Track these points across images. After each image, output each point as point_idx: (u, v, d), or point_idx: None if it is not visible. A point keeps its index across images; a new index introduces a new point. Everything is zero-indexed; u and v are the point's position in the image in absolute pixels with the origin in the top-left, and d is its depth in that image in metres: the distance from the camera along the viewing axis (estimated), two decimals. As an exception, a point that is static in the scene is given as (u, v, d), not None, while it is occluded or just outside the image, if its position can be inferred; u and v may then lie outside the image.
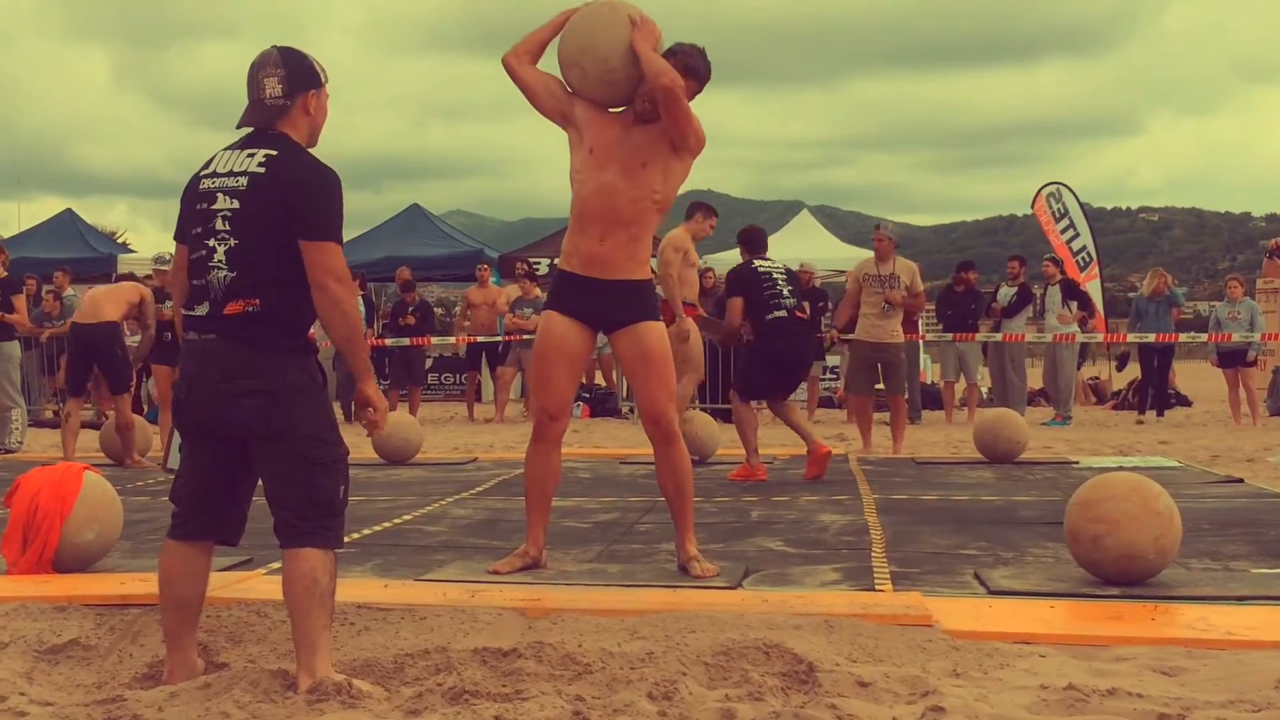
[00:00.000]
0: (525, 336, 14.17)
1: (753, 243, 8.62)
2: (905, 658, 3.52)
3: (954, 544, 5.54)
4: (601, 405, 16.07)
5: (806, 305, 8.57)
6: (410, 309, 15.46)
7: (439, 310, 27.62)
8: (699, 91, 4.78)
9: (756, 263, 8.39)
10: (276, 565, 4.78)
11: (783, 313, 8.17)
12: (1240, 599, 4.25)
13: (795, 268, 10.14)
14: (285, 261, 3.33)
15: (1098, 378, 19.61)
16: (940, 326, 14.80)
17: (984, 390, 15.68)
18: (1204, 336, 14.59)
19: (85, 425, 12.57)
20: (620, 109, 4.73)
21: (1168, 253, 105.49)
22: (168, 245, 9.68)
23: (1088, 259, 17.23)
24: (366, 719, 3.00)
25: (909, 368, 13.14)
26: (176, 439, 3.66)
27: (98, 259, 19.13)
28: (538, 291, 15.08)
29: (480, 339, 15.75)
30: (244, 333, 3.32)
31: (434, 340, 16.33)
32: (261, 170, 3.34)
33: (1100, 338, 15.73)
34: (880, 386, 10.92)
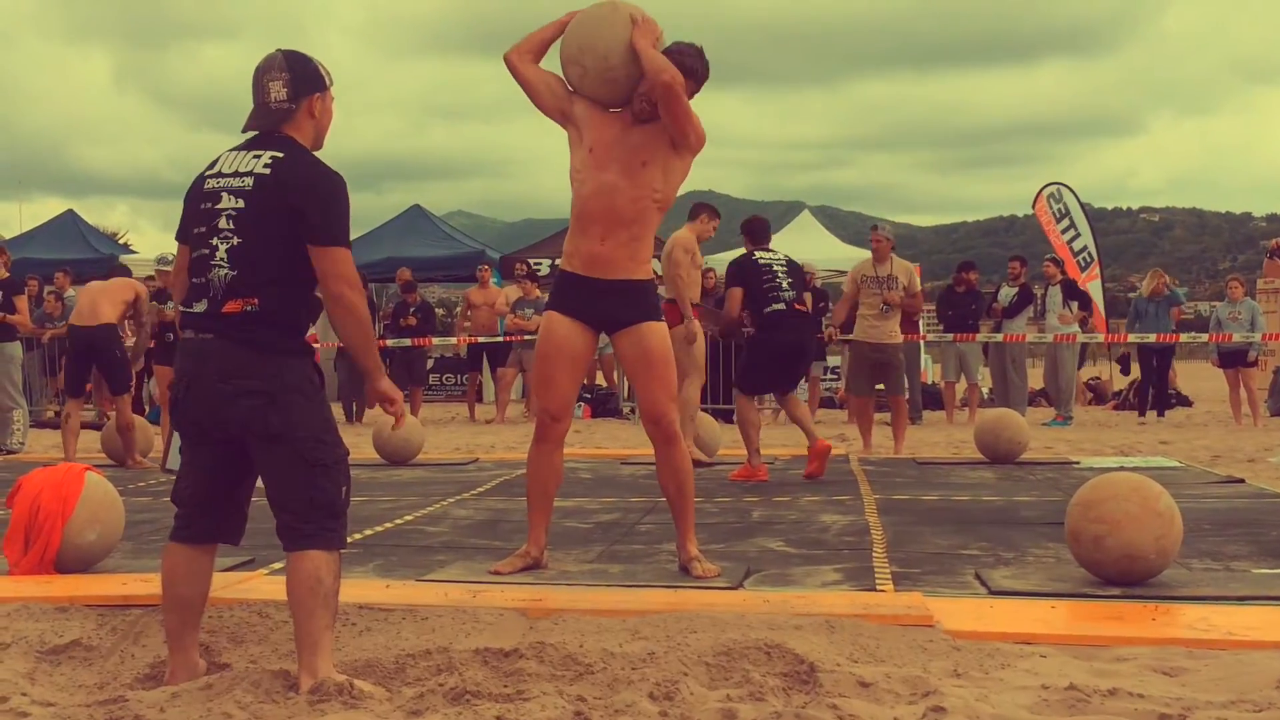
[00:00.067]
0: (526, 337, 14.18)
1: (755, 233, 8.62)
2: (906, 658, 3.52)
3: (955, 544, 5.54)
4: (603, 406, 16.08)
5: (809, 297, 8.52)
6: (411, 310, 15.47)
7: (440, 311, 27.62)
8: (697, 91, 4.77)
9: (758, 254, 8.39)
10: (278, 566, 4.79)
11: (781, 305, 8.17)
12: (1241, 599, 4.26)
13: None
14: (286, 262, 3.34)
15: (1098, 378, 19.61)
16: (941, 327, 14.81)
17: (985, 391, 15.68)
18: (1205, 337, 14.60)
19: (87, 426, 12.58)
20: (620, 109, 4.73)
21: (1169, 253, 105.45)
22: (169, 246, 9.69)
23: (1088, 259, 17.23)
24: (368, 719, 3.00)
25: (910, 368, 13.14)
26: (176, 440, 3.67)
27: (99, 260, 19.12)
28: (538, 292, 15.08)
29: (481, 339, 15.76)
30: (242, 333, 3.32)
31: (435, 341, 16.34)
32: (267, 171, 3.35)
33: (1101, 338, 15.74)
34: (881, 387, 10.93)
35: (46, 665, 3.68)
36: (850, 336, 10.92)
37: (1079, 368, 15.74)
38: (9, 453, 10.99)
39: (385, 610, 4.05)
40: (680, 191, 4.86)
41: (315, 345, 14.52)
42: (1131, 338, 14.63)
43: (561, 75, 4.77)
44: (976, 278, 14.87)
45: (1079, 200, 17.75)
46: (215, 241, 3.36)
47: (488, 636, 3.79)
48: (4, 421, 11.22)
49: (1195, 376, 21.51)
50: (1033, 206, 18.02)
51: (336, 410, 15.48)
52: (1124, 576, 4.40)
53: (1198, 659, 3.48)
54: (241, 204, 3.35)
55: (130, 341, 10.67)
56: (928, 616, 3.86)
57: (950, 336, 14.30)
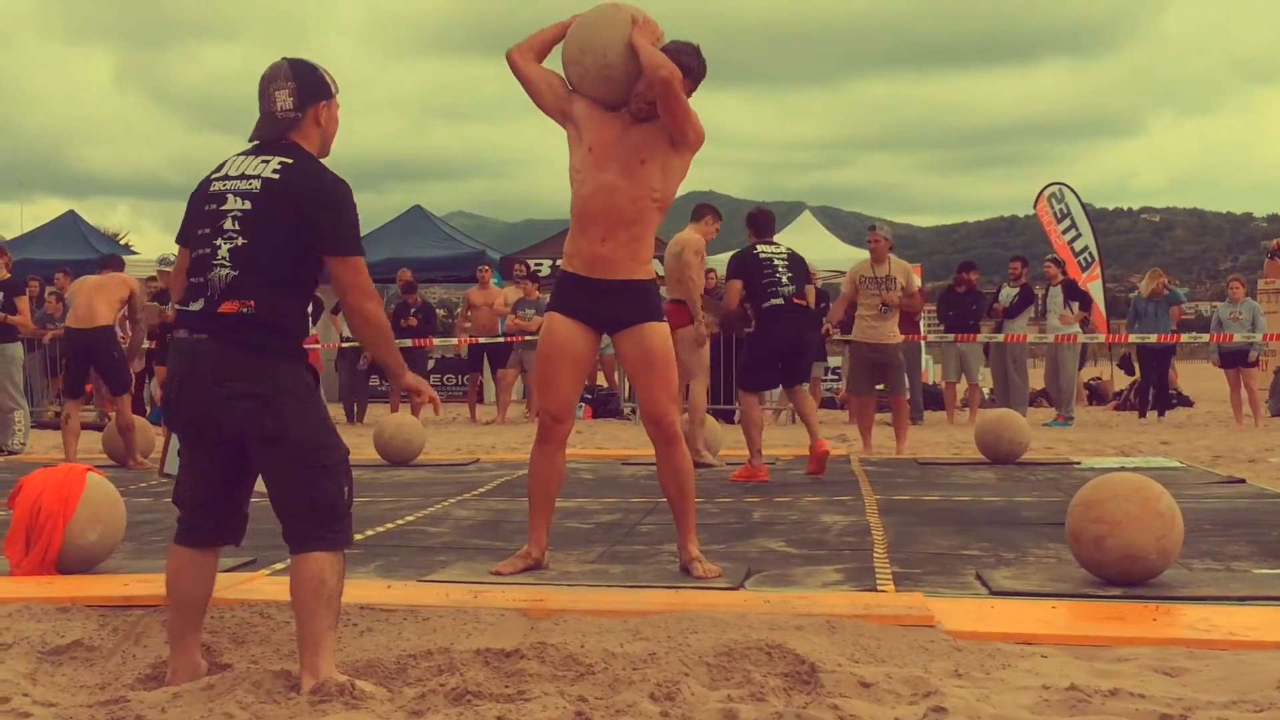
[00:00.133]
0: (527, 338, 14.18)
1: (758, 226, 8.62)
2: (907, 658, 3.52)
3: (956, 545, 5.54)
4: (603, 406, 16.08)
5: (811, 290, 8.50)
6: (412, 310, 15.48)
7: (441, 312, 27.63)
8: (694, 89, 4.76)
9: (759, 248, 8.39)
10: (280, 566, 4.80)
11: (779, 300, 8.18)
12: (1242, 599, 4.26)
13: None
14: (286, 266, 3.36)
15: (1099, 378, 19.61)
16: (942, 327, 14.80)
17: (986, 391, 15.68)
18: (1205, 337, 14.60)
19: (88, 427, 12.59)
20: (620, 109, 4.73)
21: (1169, 253, 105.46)
22: (170, 247, 9.67)
23: (1089, 259, 17.23)
24: (369, 719, 3.01)
25: (911, 368, 13.15)
26: (174, 444, 3.67)
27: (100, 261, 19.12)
28: (538, 293, 15.09)
29: (482, 340, 15.76)
30: (237, 334, 3.32)
31: (436, 341, 16.34)
32: (276, 176, 3.37)
33: (1102, 338, 15.74)
34: (881, 387, 10.94)
35: (48, 666, 3.68)
36: (849, 337, 10.93)
37: (1080, 368, 15.74)
38: (10, 453, 11.00)
39: (386, 611, 4.05)
40: (681, 192, 4.87)
41: (315, 345, 14.49)
42: (1132, 338, 14.63)
43: (564, 75, 4.78)
44: (977, 278, 14.87)
45: (1080, 200, 17.76)
46: (218, 242, 3.37)
47: (489, 637, 3.79)
48: (5, 422, 11.22)
49: (1196, 377, 21.52)
50: (1034, 206, 18.03)
51: (337, 410, 15.53)
52: (1125, 577, 4.40)
53: (1199, 659, 3.48)
54: (249, 206, 3.36)
55: (127, 341, 10.66)
56: (929, 617, 3.86)
57: (951, 337, 14.30)
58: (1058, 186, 17.77)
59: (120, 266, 10.24)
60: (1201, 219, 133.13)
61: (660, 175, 4.68)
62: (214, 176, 3.48)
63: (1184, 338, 15.19)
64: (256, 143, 3.50)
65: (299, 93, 3.46)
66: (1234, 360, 13.87)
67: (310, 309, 12.48)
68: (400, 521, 6.35)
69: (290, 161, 3.40)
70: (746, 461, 8.22)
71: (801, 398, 8.48)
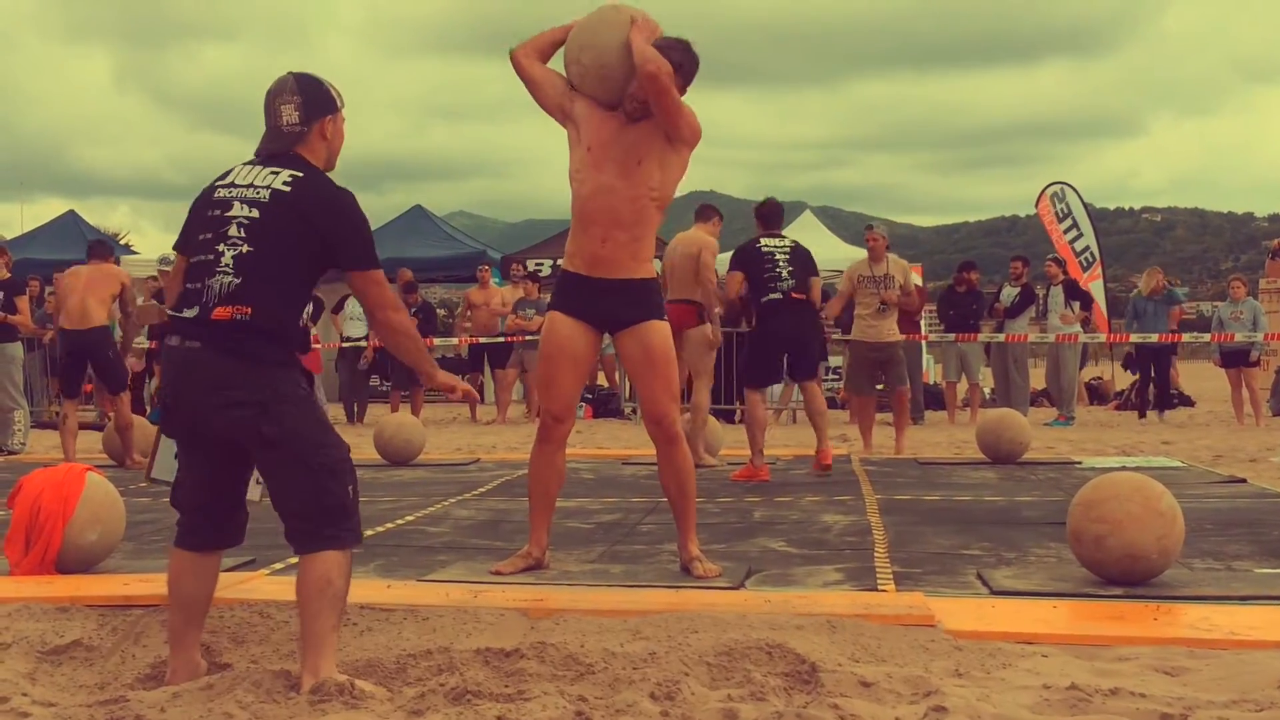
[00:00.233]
0: (528, 338, 14.17)
1: (765, 218, 8.62)
2: (908, 658, 3.52)
3: (956, 544, 5.54)
4: (604, 406, 16.08)
5: (816, 282, 8.48)
6: (413, 310, 15.45)
7: (441, 312, 27.64)
8: (687, 85, 4.75)
9: (762, 241, 8.39)
10: (280, 566, 4.80)
11: (778, 295, 8.18)
12: (1243, 599, 4.25)
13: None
14: (288, 277, 3.37)
15: (1100, 378, 19.61)
16: (942, 327, 14.80)
17: (987, 391, 15.68)
18: (1207, 336, 14.59)
19: (88, 427, 12.58)
20: (618, 109, 4.73)
21: (1170, 253, 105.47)
22: (170, 247, 9.63)
23: (1090, 259, 17.23)
24: (369, 719, 3.00)
25: (911, 368, 13.15)
26: (163, 449, 3.67)
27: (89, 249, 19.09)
28: (538, 293, 15.09)
29: (482, 340, 15.76)
30: (230, 342, 3.31)
31: (436, 341, 16.34)
32: (287, 189, 3.38)
33: (1103, 338, 15.73)
34: (881, 387, 10.93)
35: (47, 665, 3.68)
36: (849, 337, 10.93)
37: (1081, 368, 15.75)
38: (10, 453, 11.00)
39: (386, 610, 4.05)
40: (681, 191, 4.86)
41: (316, 345, 14.48)
42: (1134, 337, 14.64)
43: (565, 75, 4.79)
44: (977, 278, 14.87)
45: (1082, 199, 17.76)
46: (221, 248, 3.36)
47: (489, 636, 3.79)
48: (5, 422, 11.22)
49: (1197, 376, 21.52)
50: (1035, 205, 18.03)
51: (337, 410, 15.53)
52: (1126, 576, 4.39)
53: (1199, 659, 3.48)
54: (256, 214, 3.36)
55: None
56: (929, 616, 3.86)
57: (952, 336, 14.30)
58: (1059, 186, 17.78)
59: (109, 254, 10.08)
60: (1202, 219, 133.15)
61: (659, 174, 4.68)
62: (219, 183, 3.49)
63: (1185, 337, 15.18)
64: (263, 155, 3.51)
65: (305, 107, 3.48)
66: (1235, 360, 13.87)
67: (310, 310, 12.48)
68: (400, 521, 6.35)
69: (301, 175, 3.41)
70: (747, 461, 8.21)
71: (813, 397, 8.45)
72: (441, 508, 6.89)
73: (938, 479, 8.24)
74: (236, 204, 3.39)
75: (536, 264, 17.55)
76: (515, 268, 16.50)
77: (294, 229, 3.35)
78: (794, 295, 8.20)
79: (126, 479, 8.26)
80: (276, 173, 3.42)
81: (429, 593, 4.34)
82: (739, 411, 13.01)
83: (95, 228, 23.92)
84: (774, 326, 8.23)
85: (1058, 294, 14.33)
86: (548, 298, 10.96)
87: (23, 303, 11.32)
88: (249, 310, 3.32)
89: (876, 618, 3.85)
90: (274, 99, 3.50)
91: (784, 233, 8.71)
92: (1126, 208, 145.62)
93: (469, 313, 16.27)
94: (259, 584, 4.49)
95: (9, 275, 11.39)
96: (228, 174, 3.50)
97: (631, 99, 4.63)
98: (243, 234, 3.36)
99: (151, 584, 4.31)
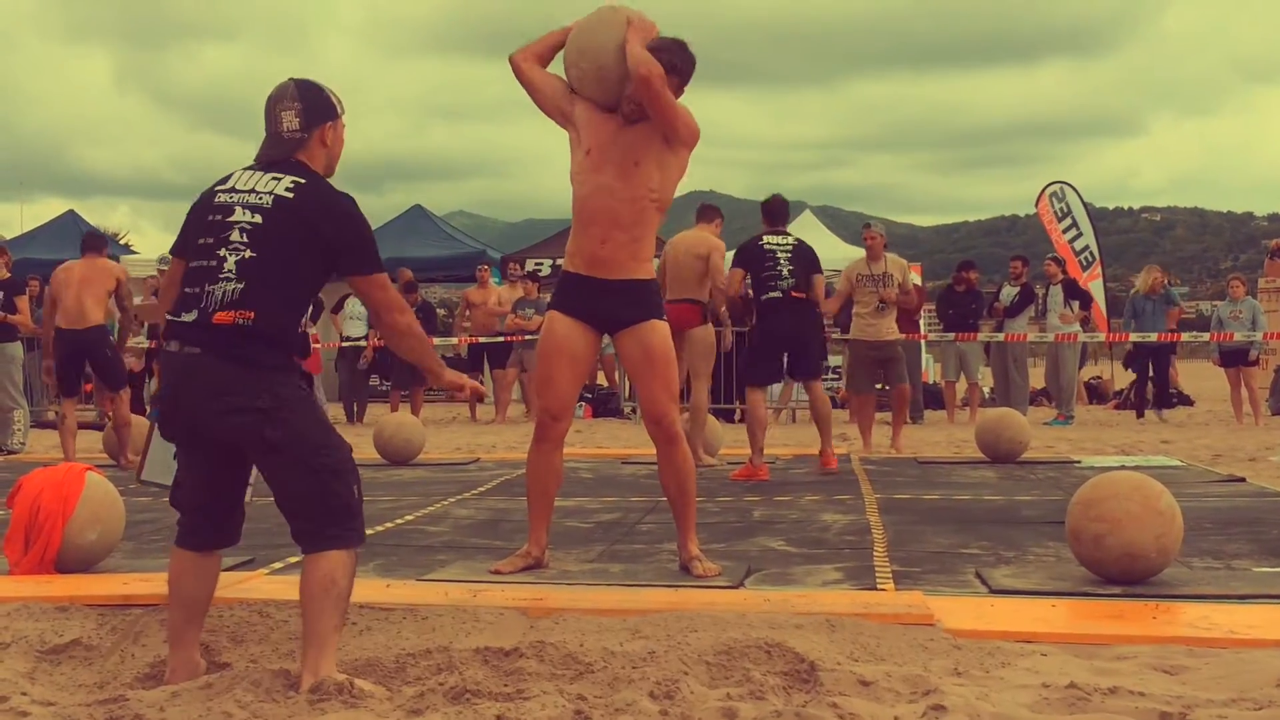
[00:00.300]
0: (527, 337, 14.17)
1: (770, 214, 8.63)
2: (907, 657, 3.52)
3: (956, 543, 5.54)
4: (604, 405, 16.08)
5: (819, 280, 8.48)
6: (413, 310, 15.47)
7: (441, 311, 27.63)
8: (683, 85, 4.75)
9: (765, 239, 8.39)
10: (279, 565, 4.80)
11: (778, 294, 8.20)
12: (1242, 598, 4.25)
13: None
14: (290, 282, 3.37)
15: (1099, 377, 19.61)
16: (941, 326, 14.81)
17: (986, 390, 15.68)
18: (1206, 336, 14.60)
19: (87, 426, 12.58)
20: (616, 111, 4.73)
21: (1170, 252, 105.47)
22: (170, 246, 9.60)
23: (1090, 258, 17.24)
24: (368, 718, 3.00)
25: (911, 367, 13.15)
26: (154, 450, 3.67)
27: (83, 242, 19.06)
28: (538, 292, 15.09)
29: (481, 340, 15.76)
30: (230, 347, 3.31)
31: (436, 341, 16.33)
32: (290, 195, 3.38)
33: (1102, 337, 15.74)
34: (881, 386, 10.93)
35: (47, 665, 3.68)
36: (848, 336, 10.93)
37: (1080, 367, 15.75)
38: (10, 453, 11.00)
39: (386, 609, 4.05)
40: (681, 191, 4.86)
41: (315, 345, 14.47)
42: (1134, 336, 14.65)
43: (565, 78, 4.80)
44: (977, 277, 14.88)
45: (1081, 199, 17.76)
46: (223, 253, 3.36)
47: (488, 636, 3.79)
48: (5, 421, 11.22)
49: (1196, 375, 21.52)
50: (1035, 205, 18.04)
51: (337, 410, 15.53)
52: (1125, 575, 4.39)
53: (1198, 657, 3.48)
54: (259, 219, 3.36)
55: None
56: (928, 615, 3.86)
57: (951, 336, 14.30)
58: (1059, 185, 17.78)
59: (103, 246, 9.88)
60: (1202, 218, 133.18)
61: (657, 175, 4.68)
62: (219, 188, 3.48)
63: (1184, 337, 15.18)
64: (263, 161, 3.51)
65: (305, 113, 3.49)
66: (1234, 359, 13.87)
67: (310, 311, 12.47)
68: (400, 521, 6.35)
69: (303, 181, 3.42)
70: (747, 460, 8.21)
71: (817, 400, 8.46)
72: (441, 507, 6.89)
73: (937, 478, 8.24)
74: (239, 209, 3.38)
75: (536, 264, 17.55)
76: (513, 267, 16.50)
77: (297, 235, 3.36)
78: (794, 294, 8.21)
79: (126, 479, 8.25)
80: (279, 178, 3.41)
81: (428, 592, 4.34)
82: (739, 411, 13.02)
83: (95, 228, 23.92)
84: (774, 325, 8.25)
85: (1057, 293, 14.33)
86: (547, 297, 10.95)
87: (22, 302, 11.32)
88: (251, 315, 3.31)
89: (876, 617, 3.85)
90: (275, 105, 3.50)
91: (788, 230, 8.72)
92: (1126, 207, 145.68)
93: (468, 312, 16.27)
94: (258, 583, 4.49)
95: (9, 275, 11.39)
96: (228, 179, 3.50)
97: (628, 101, 4.63)
98: (245, 239, 3.35)
99: (151, 583, 4.31)
